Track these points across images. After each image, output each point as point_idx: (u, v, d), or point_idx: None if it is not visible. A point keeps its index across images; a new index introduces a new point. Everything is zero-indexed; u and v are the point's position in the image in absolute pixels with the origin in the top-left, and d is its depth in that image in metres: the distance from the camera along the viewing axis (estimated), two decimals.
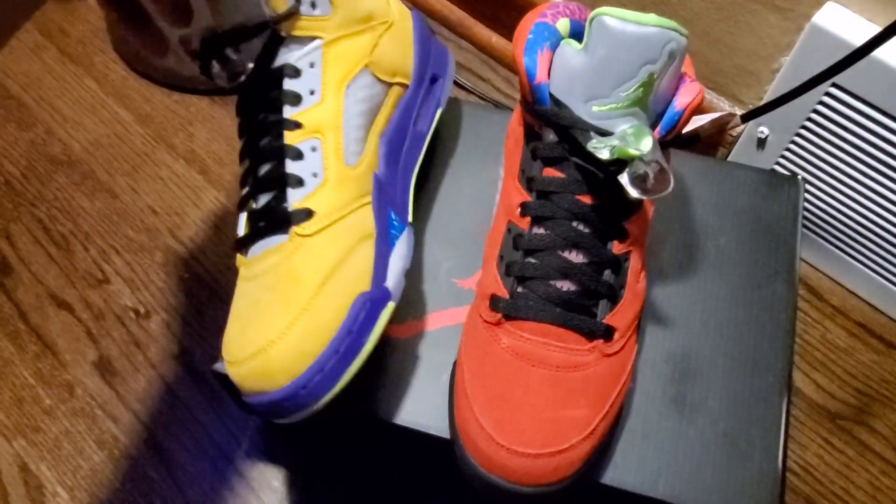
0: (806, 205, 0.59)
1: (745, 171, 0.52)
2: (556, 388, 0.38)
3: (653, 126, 0.38)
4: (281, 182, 0.39)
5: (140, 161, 0.69)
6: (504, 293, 0.39)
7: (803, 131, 0.55)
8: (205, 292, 0.62)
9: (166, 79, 0.74)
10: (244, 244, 0.40)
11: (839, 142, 0.54)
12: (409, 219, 0.45)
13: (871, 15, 0.48)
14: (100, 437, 0.56)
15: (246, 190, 0.41)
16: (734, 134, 0.61)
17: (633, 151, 0.35)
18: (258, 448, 0.55)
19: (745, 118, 0.52)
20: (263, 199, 0.40)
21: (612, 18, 0.35)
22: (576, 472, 0.37)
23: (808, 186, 0.58)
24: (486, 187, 0.51)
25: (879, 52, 0.46)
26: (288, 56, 0.40)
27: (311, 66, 0.41)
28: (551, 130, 0.39)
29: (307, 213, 0.39)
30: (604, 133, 0.37)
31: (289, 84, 0.40)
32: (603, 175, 0.38)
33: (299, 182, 0.40)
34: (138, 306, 0.61)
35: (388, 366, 0.45)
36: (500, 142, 0.52)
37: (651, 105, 0.37)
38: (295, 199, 0.39)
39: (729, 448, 0.42)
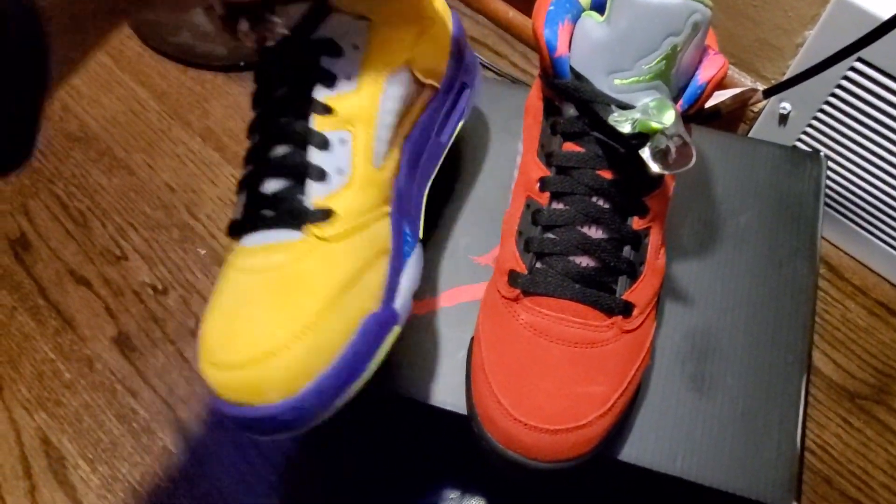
0: (828, 182, 0.59)
1: (767, 147, 0.51)
2: (574, 364, 0.38)
3: (675, 99, 0.37)
4: (300, 171, 0.35)
5: (156, 138, 0.69)
6: (522, 269, 0.39)
7: (826, 107, 0.54)
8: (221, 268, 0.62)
9: (181, 55, 0.73)
10: (240, 229, 0.36)
11: (863, 118, 0.53)
12: (420, 234, 0.41)
13: None
14: (119, 411, 0.56)
15: (250, 169, 0.36)
16: (756, 110, 0.60)
17: (655, 125, 0.34)
18: None
19: (768, 93, 0.51)
20: (274, 185, 0.35)
21: None
22: (593, 449, 0.37)
23: (830, 163, 0.57)
24: (503, 163, 0.50)
25: None
26: (331, 31, 0.35)
27: (355, 48, 0.36)
28: (571, 105, 0.38)
29: (327, 214, 0.35)
30: (625, 107, 0.36)
31: (326, 62, 0.35)
32: (624, 150, 0.37)
33: (322, 175, 0.35)
34: (156, 282, 0.62)
35: (406, 342, 0.45)
36: (518, 118, 0.52)
37: (674, 78, 0.36)
38: (315, 195, 0.35)
39: (747, 426, 0.42)
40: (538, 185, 0.40)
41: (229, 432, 0.55)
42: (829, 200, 0.60)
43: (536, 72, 0.42)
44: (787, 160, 0.50)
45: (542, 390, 0.37)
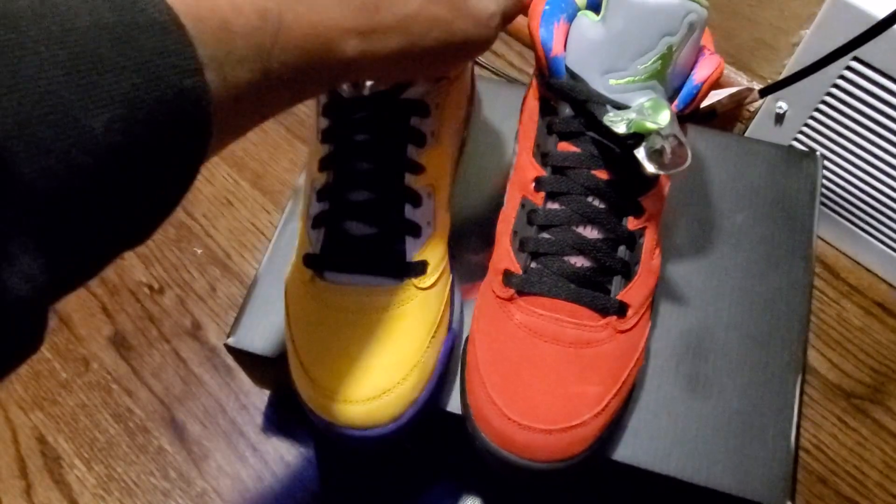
0: (824, 181, 0.59)
1: (763, 147, 0.51)
2: (569, 364, 0.38)
3: (670, 99, 0.37)
4: (396, 226, 0.38)
5: None
6: (517, 269, 0.39)
7: (823, 106, 0.54)
8: (218, 268, 0.62)
9: None
10: (323, 264, 0.39)
11: (859, 117, 0.53)
12: None
13: None
14: (115, 410, 0.56)
15: (326, 206, 0.39)
16: (752, 109, 0.60)
17: (650, 125, 0.34)
18: (271, 422, 0.55)
19: (764, 93, 0.51)
20: (362, 230, 0.38)
21: None
22: (588, 448, 0.37)
23: (826, 163, 0.57)
24: (499, 163, 0.50)
25: None
26: (418, 91, 0.38)
27: (437, 106, 0.39)
28: (567, 104, 0.38)
29: (423, 266, 0.39)
30: (621, 107, 0.36)
31: (415, 121, 0.38)
32: (619, 150, 0.37)
33: (417, 231, 0.39)
34: (152, 282, 0.62)
35: None
36: (514, 117, 0.52)
37: (669, 78, 0.36)
38: (412, 250, 0.39)
39: (742, 426, 0.42)
40: (533, 184, 0.39)
41: (223, 431, 0.55)
42: (825, 199, 0.60)
43: (532, 71, 0.42)
44: (782, 159, 0.50)
45: (536, 390, 0.37)
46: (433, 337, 0.39)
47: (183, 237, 0.64)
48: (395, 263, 0.38)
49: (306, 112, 0.70)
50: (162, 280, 0.62)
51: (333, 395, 0.37)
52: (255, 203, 0.65)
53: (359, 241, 0.38)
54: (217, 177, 0.67)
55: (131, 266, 0.62)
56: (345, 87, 0.37)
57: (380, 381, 0.37)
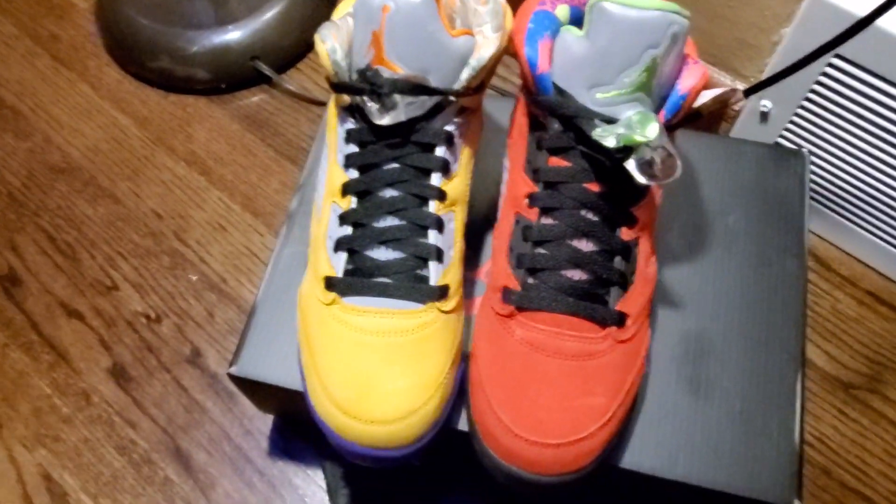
0: (812, 176, 0.59)
1: (751, 146, 0.51)
2: (572, 377, 0.38)
3: (657, 110, 0.38)
4: (420, 252, 0.39)
5: (140, 165, 0.69)
6: (515, 285, 0.39)
7: (807, 103, 0.55)
8: (214, 293, 0.62)
9: (161, 80, 0.73)
10: (346, 289, 0.39)
11: (844, 112, 0.53)
12: None
13: None
14: (119, 443, 0.56)
15: (349, 232, 0.40)
16: (737, 108, 0.60)
17: (638, 138, 0.35)
18: (277, 446, 0.55)
19: (748, 93, 0.52)
20: (386, 255, 0.39)
21: (613, 4, 0.35)
22: (595, 460, 0.38)
23: (813, 158, 0.58)
24: (491, 177, 0.50)
25: (883, 21, 0.46)
26: (445, 121, 0.40)
27: (460, 136, 0.41)
28: (556, 120, 0.38)
29: (445, 291, 0.40)
30: (609, 120, 0.36)
31: (441, 150, 0.40)
32: (610, 162, 0.37)
33: (440, 256, 0.40)
34: (149, 311, 0.62)
35: None
36: (503, 131, 0.52)
37: (655, 89, 0.37)
38: (437, 274, 0.40)
39: (746, 426, 0.42)
40: (526, 200, 0.40)
41: (229, 458, 0.55)
42: (813, 194, 0.60)
43: (519, 86, 0.42)
44: (770, 158, 0.51)
45: (541, 405, 0.37)
46: (453, 359, 0.40)
47: (177, 264, 0.64)
48: (421, 288, 0.39)
49: (294, 133, 0.70)
50: (158, 309, 0.62)
51: (358, 417, 0.37)
52: (247, 226, 0.65)
53: (384, 266, 0.39)
54: (208, 202, 0.67)
55: (127, 296, 0.62)
56: (375, 113, 0.38)
57: (405, 403, 0.37)
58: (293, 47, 0.74)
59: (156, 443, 0.56)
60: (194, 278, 0.63)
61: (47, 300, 0.63)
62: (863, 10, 0.44)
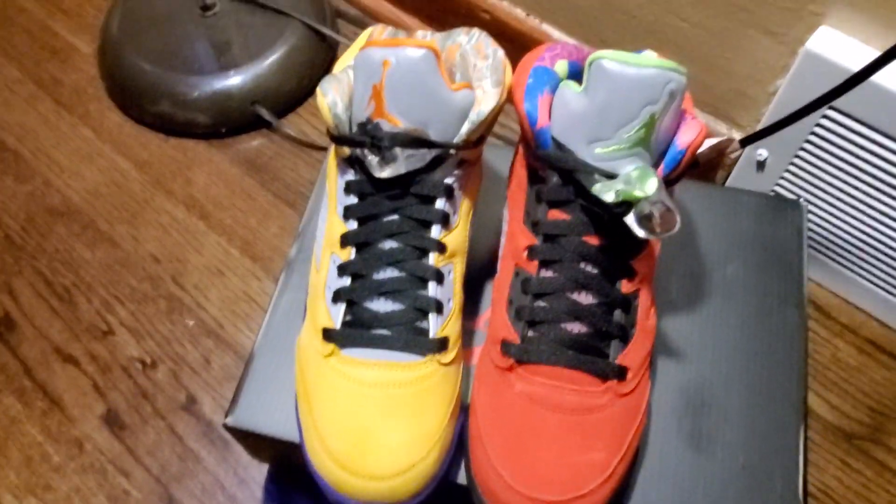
0: (809, 224, 0.59)
1: (748, 196, 0.52)
2: (572, 432, 0.37)
3: (656, 165, 0.38)
4: (420, 304, 0.39)
5: (139, 208, 0.69)
6: (515, 338, 0.39)
7: (802, 153, 0.55)
8: (211, 339, 0.62)
9: (162, 124, 0.74)
10: (344, 341, 0.39)
11: (839, 162, 0.54)
12: None
13: (865, 37, 0.48)
14: (111, 492, 0.55)
15: (347, 283, 0.39)
16: (733, 157, 0.61)
17: (638, 193, 0.35)
18: (271, 495, 0.54)
19: (744, 143, 0.52)
20: (385, 306, 0.39)
21: (611, 61, 0.35)
22: None
23: (810, 206, 0.58)
24: (490, 226, 0.51)
25: (876, 76, 0.46)
26: (445, 174, 0.40)
27: (460, 188, 0.41)
28: (555, 173, 0.39)
29: (444, 343, 0.39)
30: (608, 175, 0.37)
31: (440, 203, 0.40)
32: (609, 216, 0.37)
33: (440, 308, 0.40)
34: (144, 357, 0.61)
35: None
36: (502, 178, 0.52)
37: (654, 145, 0.37)
38: (436, 326, 0.39)
39: (748, 479, 0.42)
40: (526, 253, 0.40)
41: None
42: (811, 241, 0.60)
43: (518, 137, 0.42)
44: (768, 208, 0.51)
45: (541, 460, 0.37)
46: (452, 411, 0.40)
47: (174, 309, 0.63)
48: (421, 340, 0.39)
49: (293, 177, 0.71)
50: (154, 354, 0.61)
51: (355, 471, 0.37)
52: (246, 271, 0.65)
53: (384, 317, 0.39)
54: (207, 246, 0.67)
55: (123, 341, 0.62)
56: (375, 166, 0.38)
57: (404, 458, 0.37)
58: (293, 93, 0.74)
59: (149, 493, 0.55)
60: (191, 323, 0.63)
61: (42, 345, 0.62)
62: (855, 66, 0.45)
